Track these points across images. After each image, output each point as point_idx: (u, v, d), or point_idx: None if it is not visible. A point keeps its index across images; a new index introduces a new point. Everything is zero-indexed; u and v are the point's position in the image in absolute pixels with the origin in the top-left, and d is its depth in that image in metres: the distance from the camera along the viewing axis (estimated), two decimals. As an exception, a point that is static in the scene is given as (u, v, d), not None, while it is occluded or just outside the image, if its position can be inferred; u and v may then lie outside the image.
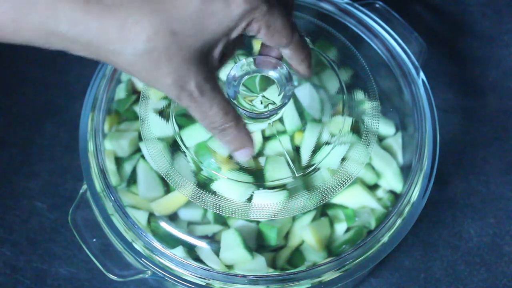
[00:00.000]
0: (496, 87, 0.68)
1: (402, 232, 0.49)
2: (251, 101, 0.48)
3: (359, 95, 0.50)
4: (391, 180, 0.50)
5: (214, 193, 0.47)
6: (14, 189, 0.63)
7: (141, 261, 0.48)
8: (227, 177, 0.47)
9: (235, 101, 0.47)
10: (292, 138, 0.49)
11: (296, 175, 0.48)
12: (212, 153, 0.48)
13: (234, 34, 0.39)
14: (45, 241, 0.61)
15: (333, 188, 0.47)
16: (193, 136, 0.49)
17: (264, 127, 0.49)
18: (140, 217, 0.49)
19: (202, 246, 0.48)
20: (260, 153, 0.49)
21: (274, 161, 0.48)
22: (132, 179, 0.50)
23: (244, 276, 0.47)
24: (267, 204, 0.47)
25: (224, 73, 0.51)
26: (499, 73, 0.69)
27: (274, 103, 0.47)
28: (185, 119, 0.50)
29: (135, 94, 0.52)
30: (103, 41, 0.36)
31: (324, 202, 0.47)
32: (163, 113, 0.49)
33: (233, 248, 0.47)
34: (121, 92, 0.53)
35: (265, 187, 0.47)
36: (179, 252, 0.48)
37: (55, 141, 0.65)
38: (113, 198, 0.49)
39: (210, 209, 0.47)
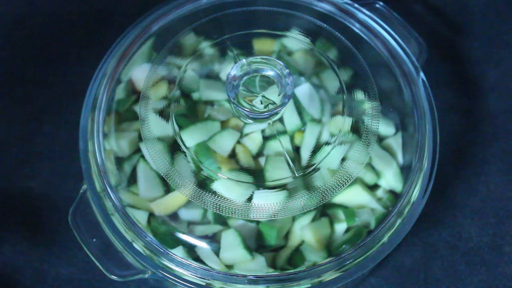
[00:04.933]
0: (496, 87, 0.68)
1: (402, 232, 0.49)
2: (251, 101, 0.48)
3: (359, 95, 0.50)
4: (391, 180, 0.50)
5: (214, 193, 0.47)
6: (14, 189, 0.63)
7: (141, 261, 0.48)
8: (227, 177, 0.47)
9: (235, 101, 0.47)
10: (292, 138, 0.49)
11: (296, 175, 0.48)
12: (212, 153, 0.48)
13: None
14: (45, 241, 0.60)
15: (333, 188, 0.47)
16: (193, 136, 0.49)
17: (264, 127, 0.49)
18: (140, 217, 0.49)
19: (202, 246, 0.48)
20: (260, 153, 0.49)
21: (274, 161, 0.48)
22: (132, 179, 0.50)
23: (244, 276, 0.47)
24: (267, 204, 0.47)
25: (224, 73, 0.51)
26: (499, 73, 0.69)
27: (274, 103, 0.47)
28: (185, 119, 0.50)
29: (135, 94, 0.52)
30: None
31: (324, 202, 0.47)
32: (163, 113, 0.49)
33: (233, 248, 0.47)
34: (121, 92, 0.53)
35: (265, 187, 0.47)
36: (179, 252, 0.48)
37: (55, 141, 0.65)
38: (113, 198, 0.49)
39: (210, 209, 0.47)
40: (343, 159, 0.48)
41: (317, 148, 0.48)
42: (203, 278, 0.47)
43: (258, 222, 0.48)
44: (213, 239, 0.48)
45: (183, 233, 0.48)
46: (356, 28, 0.54)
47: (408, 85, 0.53)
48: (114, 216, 0.49)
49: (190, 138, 0.49)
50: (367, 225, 0.49)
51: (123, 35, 0.55)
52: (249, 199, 0.47)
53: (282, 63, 0.47)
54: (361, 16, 0.55)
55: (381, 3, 0.57)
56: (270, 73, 0.48)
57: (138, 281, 0.59)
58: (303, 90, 0.51)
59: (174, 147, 0.48)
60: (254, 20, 0.54)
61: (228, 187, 0.47)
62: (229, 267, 0.48)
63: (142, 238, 0.48)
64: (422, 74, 0.53)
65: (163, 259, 0.48)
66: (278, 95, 0.47)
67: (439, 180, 0.53)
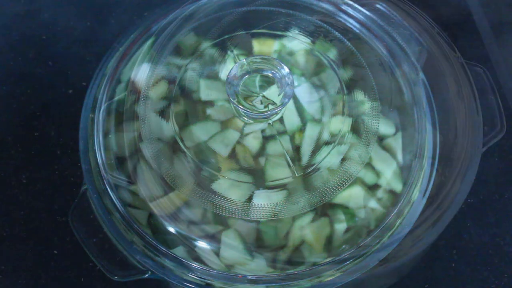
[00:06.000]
0: (496, 87, 0.68)
1: (402, 232, 0.49)
2: (251, 101, 0.48)
3: (359, 95, 0.50)
4: (391, 180, 0.50)
5: (214, 193, 0.47)
6: (14, 189, 0.63)
7: (141, 261, 0.48)
8: (227, 177, 0.47)
9: (235, 101, 0.47)
10: (292, 138, 0.49)
11: (296, 175, 0.48)
12: (212, 153, 0.48)
13: None
14: (45, 241, 0.60)
15: (333, 188, 0.47)
16: (193, 136, 0.49)
17: (264, 127, 0.49)
18: (140, 217, 0.49)
19: (202, 246, 0.48)
20: (260, 153, 0.49)
21: (274, 161, 0.48)
22: (132, 179, 0.50)
23: (244, 276, 0.47)
24: (267, 204, 0.47)
25: (224, 73, 0.51)
26: (499, 73, 0.69)
27: (274, 103, 0.48)
28: (185, 119, 0.50)
29: (135, 94, 0.52)
30: None
31: (324, 202, 0.47)
32: (163, 113, 0.49)
33: (233, 248, 0.47)
34: (121, 92, 0.53)
35: (265, 187, 0.47)
36: (179, 252, 0.48)
37: (55, 141, 0.65)
38: (113, 198, 0.49)
39: (210, 209, 0.47)
40: (343, 159, 0.48)
41: (317, 148, 0.48)
42: (203, 278, 0.47)
43: (258, 222, 0.48)
44: (213, 239, 0.48)
45: (183, 233, 0.48)
46: (356, 28, 0.54)
47: (408, 85, 0.53)
48: (114, 216, 0.49)
49: (190, 138, 0.49)
50: (367, 225, 0.49)
51: (123, 35, 0.55)
52: (249, 199, 0.47)
53: (282, 63, 0.48)
54: (361, 16, 0.55)
55: (381, 3, 0.57)
56: (270, 73, 0.48)
57: (138, 281, 0.59)
58: (303, 90, 0.51)
59: (174, 147, 0.48)
60: (254, 20, 0.54)
61: (228, 187, 0.47)
62: (229, 267, 0.48)
63: (142, 238, 0.48)
64: (422, 74, 0.53)
65: (163, 259, 0.48)
66: (278, 95, 0.47)
67: (439, 180, 0.53)
